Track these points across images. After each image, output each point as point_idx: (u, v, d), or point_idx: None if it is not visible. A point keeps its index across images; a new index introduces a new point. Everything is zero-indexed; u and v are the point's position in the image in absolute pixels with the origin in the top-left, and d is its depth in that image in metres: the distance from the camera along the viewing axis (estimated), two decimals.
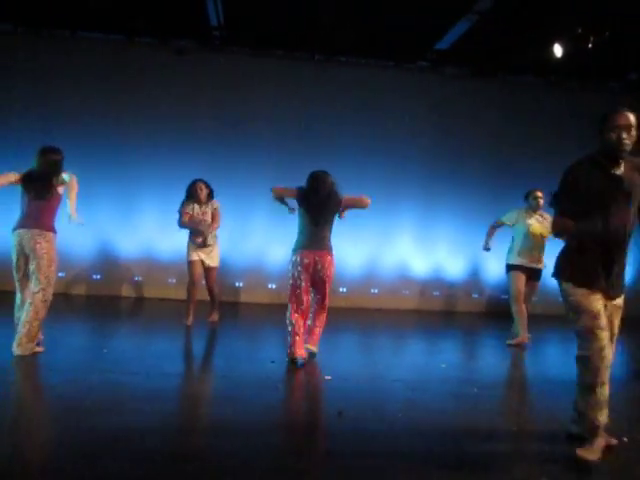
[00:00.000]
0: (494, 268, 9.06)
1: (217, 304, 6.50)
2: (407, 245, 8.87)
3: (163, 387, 3.83)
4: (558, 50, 7.14)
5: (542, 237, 5.92)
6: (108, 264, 8.32)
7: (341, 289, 8.80)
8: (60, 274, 8.16)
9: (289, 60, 8.62)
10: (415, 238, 8.82)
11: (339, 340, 6.42)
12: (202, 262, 6.14)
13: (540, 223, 5.96)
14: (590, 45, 6.72)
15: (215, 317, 6.48)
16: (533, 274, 5.99)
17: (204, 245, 6.10)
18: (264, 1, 7.03)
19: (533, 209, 6.02)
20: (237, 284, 8.62)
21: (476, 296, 9.03)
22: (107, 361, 4.42)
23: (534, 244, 5.93)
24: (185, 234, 6.20)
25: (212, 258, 6.20)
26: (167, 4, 7.18)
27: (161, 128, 8.22)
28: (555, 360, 5.99)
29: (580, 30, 6.73)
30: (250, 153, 8.39)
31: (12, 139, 7.86)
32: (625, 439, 3.19)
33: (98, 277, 8.33)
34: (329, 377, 4.24)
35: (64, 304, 7.76)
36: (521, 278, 5.95)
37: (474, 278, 9.00)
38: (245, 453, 2.80)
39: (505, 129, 8.93)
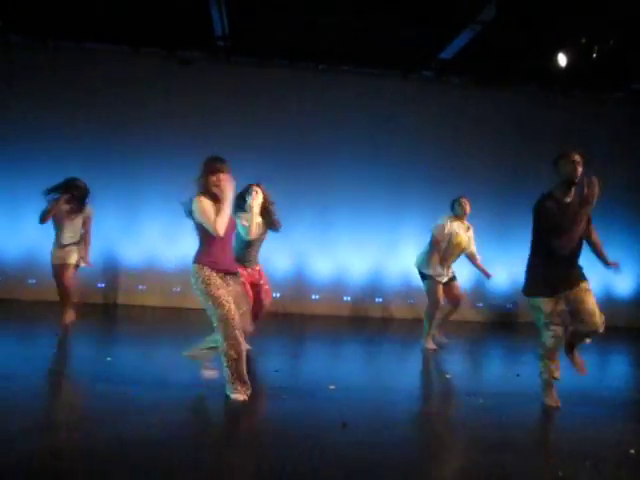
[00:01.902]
0: (497, 278, 9.04)
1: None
2: (411, 254, 8.85)
3: (164, 397, 3.82)
4: (562, 60, 7.15)
5: (463, 249, 5.87)
6: (112, 272, 8.33)
7: (345, 298, 8.79)
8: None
9: (293, 70, 8.66)
10: (419, 247, 8.79)
11: (343, 350, 6.40)
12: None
13: (465, 234, 5.94)
14: (594, 55, 6.73)
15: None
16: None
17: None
18: (269, 12, 7.07)
19: (459, 217, 5.95)
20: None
21: (480, 305, 9.00)
22: (111, 370, 4.41)
23: (455, 253, 5.90)
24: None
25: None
26: (172, 15, 7.23)
27: (166, 137, 8.25)
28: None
29: (584, 40, 6.73)
30: (254, 162, 8.39)
31: (15, 150, 7.93)
32: (632, 451, 3.17)
33: (102, 285, 8.34)
34: (333, 387, 4.22)
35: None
36: (440, 288, 5.92)
37: (478, 288, 8.97)
38: (247, 465, 2.78)
39: (509, 139, 8.93)
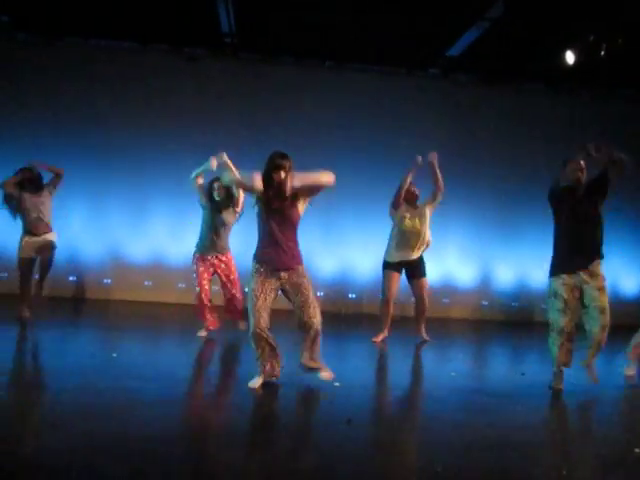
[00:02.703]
0: (504, 276, 9.02)
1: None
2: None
3: (170, 392, 3.83)
4: (570, 57, 7.11)
5: (415, 231, 5.89)
6: (118, 269, 8.36)
7: (350, 295, 8.80)
8: (71, 278, 8.24)
9: (299, 67, 8.65)
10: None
11: (349, 347, 6.40)
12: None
13: (412, 218, 5.92)
14: (602, 52, 6.69)
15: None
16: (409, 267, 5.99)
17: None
18: (276, 8, 7.07)
19: (408, 201, 6.01)
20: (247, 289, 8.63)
21: (485, 304, 8.98)
22: (117, 366, 4.43)
23: (410, 239, 5.94)
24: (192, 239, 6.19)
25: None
26: (179, 11, 7.24)
27: (172, 134, 8.27)
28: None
29: (592, 37, 6.70)
30: (261, 160, 8.39)
31: (27, 145, 7.96)
32: (637, 450, 3.15)
33: (109, 281, 8.38)
34: (338, 384, 4.22)
35: (75, 308, 7.81)
36: (392, 277, 6.03)
37: (484, 285, 8.96)
38: (249, 461, 2.79)
39: (517, 137, 8.90)
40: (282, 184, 3.83)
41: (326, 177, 3.95)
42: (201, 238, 5.68)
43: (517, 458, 3.04)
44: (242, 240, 5.87)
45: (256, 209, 3.98)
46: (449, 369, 5.14)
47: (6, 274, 8.11)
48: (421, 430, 3.58)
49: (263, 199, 3.88)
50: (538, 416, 3.88)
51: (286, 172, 3.88)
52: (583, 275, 4.26)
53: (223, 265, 5.70)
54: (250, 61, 8.55)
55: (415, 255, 5.99)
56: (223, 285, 5.78)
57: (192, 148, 8.27)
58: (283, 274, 3.86)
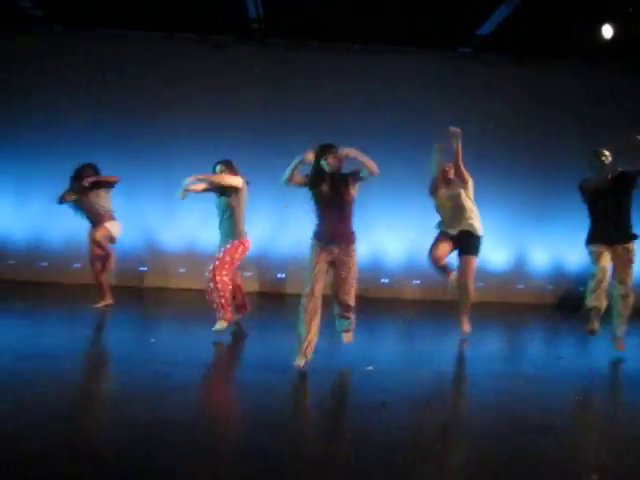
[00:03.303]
0: (540, 258, 8.85)
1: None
2: None
3: (203, 378, 3.90)
4: (607, 31, 6.85)
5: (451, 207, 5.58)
6: (154, 256, 8.51)
7: (382, 280, 8.77)
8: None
9: (328, 51, 8.58)
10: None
11: (381, 331, 6.41)
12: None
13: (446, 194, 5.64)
14: None
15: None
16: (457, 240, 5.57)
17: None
18: None
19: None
20: (279, 275, 8.70)
21: (521, 287, 8.84)
22: (154, 352, 4.53)
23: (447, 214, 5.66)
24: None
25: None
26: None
27: (203, 121, 8.32)
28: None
29: (631, 10, 6.44)
30: (290, 144, 8.37)
31: (64, 135, 8.15)
32: None
33: (144, 269, 8.54)
34: (371, 368, 4.23)
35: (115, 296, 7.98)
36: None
37: (519, 269, 8.81)
38: (282, 444, 2.83)
39: (550, 116, 8.66)
40: (332, 169, 4.27)
41: (373, 165, 4.25)
42: None
43: (554, 441, 3.01)
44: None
45: (310, 193, 4.38)
46: (484, 353, 5.10)
47: (46, 263, 8.37)
48: (454, 412, 3.58)
49: (316, 184, 4.29)
50: (573, 400, 3.82)
51: (335, 158, 4.31)
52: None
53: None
54: (278, 46, 8.52)
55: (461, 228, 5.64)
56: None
57: (222, 134, 8.35)
58: (335, 249, 4.17)
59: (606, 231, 4.91)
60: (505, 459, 2.75)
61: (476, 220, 5.61)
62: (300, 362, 4.04)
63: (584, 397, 3.97)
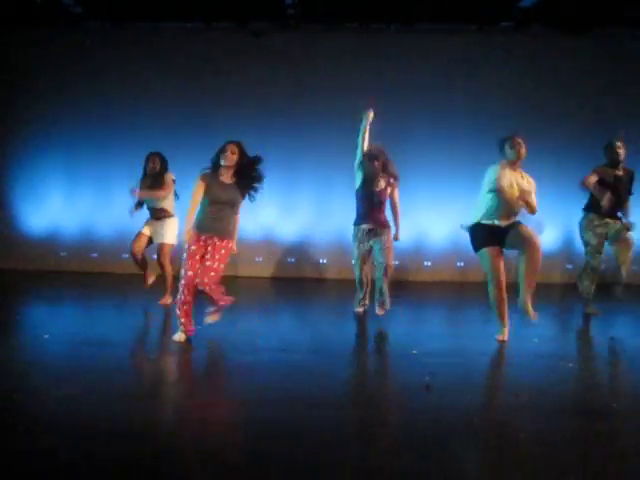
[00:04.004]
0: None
1: (169, 286, 5.97)
2: None
3: (256, 360, 3.97)
4: None
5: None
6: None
7: (426, 263, 8.69)
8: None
9: (365, 32, 8.48)
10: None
11: (425, 315, 6.37)
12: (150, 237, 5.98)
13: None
14: None
15: (167, 300, 5.93)
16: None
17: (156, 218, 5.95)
18: None
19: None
20: (321, 261, 8.73)
21: (569, 267, 8.59)
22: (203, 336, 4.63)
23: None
24: None
25: (162, 234, 5.93)
26: None
27: (241, 110, 8.37)
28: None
29: None
30: (331, 129, 8.36)
31: (102, 128, 8.37)
32: None
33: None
34: (415, 351, 4.22)
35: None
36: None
37: (567, 248, 8.56)
38: (333, 424, 2.86)
39: (602, 88, 8.29)
40: (376, 172, 5.47)
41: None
42: None
43: (603, 425, 2.94)
44: None
45: (358, 185, 5.56)
46: (531, 335, 4.99)
47: (96, 254, 8.64)
48: (500, 395, 3.53)
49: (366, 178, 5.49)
50: (625, 383, 3.71)
51: (379, 162, 5.46)
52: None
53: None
54: (314, 30, 8.46)
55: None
56: None
57: (260, 121, 8.38)
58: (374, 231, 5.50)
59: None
60: (555, 440, 2.71)
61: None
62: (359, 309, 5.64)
63: (636, 378, 3.85)
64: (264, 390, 3.41)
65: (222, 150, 4.42)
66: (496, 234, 4.58)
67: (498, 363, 4.07)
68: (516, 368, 4.03)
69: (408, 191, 8.35)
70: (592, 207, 5.81)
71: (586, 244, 5.88)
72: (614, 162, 5.77)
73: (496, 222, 4.59)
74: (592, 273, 5.82)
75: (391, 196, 5.68)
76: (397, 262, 8.41)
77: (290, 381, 3.57)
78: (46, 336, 4.43)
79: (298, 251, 8.73)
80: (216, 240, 4.37)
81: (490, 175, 4.57)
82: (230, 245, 4.45)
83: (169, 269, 5.98)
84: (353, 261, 5.80)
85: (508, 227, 4.60)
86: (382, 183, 5.56)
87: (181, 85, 8.42)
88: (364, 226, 5.56)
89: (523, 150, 4.58)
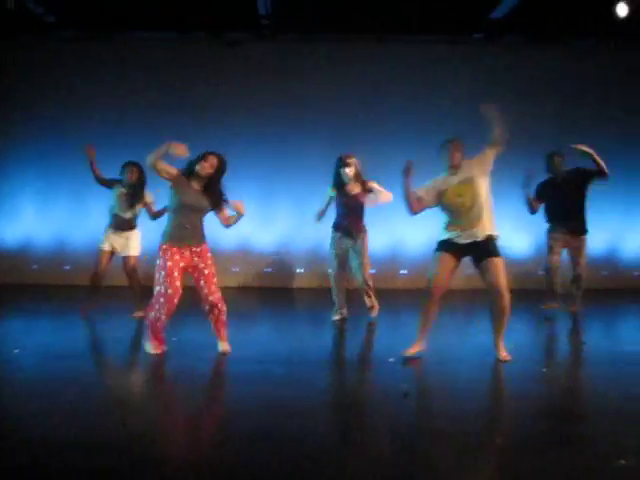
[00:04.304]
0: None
1: (140, 298, 5.82)
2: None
3: (214, 370, 3.95)
4: (622, 9, 6.73)
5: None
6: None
7: (402, 271, 8.75)
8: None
9: (340, 43, 8.55)
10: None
11: (401, 323, 6.41)
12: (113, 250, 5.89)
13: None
14: None
15: (140, 312, 5.68)
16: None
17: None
18: None
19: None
20: (298, 270, 8.73)
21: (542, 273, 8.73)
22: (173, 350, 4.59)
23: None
24: None
25: (128, 246, 5.88)
26: None
27: (220, 120, 8.35)
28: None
29: None
30: (307, 139, 8.42)
31: (76, 135, 8.25)
32: None
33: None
34: (392, 359, 4.24)
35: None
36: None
37: (540, 255, 8.71)
38: (313, 432, 2.86)
39: (569, 97, 8.51)
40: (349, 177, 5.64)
41: (387, 197, 5.68)
42: None
43: (579, 426, 2.99)
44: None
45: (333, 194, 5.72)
46: (506, 340, 5.05)
47: (68, 266, 8.50)
48: (475, 400, 3.57)
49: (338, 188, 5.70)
50: (600, 385, 3.79)
51: (352, 169, 5.67)
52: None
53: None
54: (289, 41, 8.51)
55: None
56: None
57: (238, 131, 8.37)
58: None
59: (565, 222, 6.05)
60: (533, 444, 2.75)
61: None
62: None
63: (610, 381, 3.93)
64: (242, 401, 3.40)
65: (203, 159, 4.35)
66: (459, 249, 4.28)
67: (474, 369, 4.11)
68: (491, 373, 4.08)
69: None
70: (548, 216, 6.22)
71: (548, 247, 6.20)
72: (553, 172, 6.16)
73: (453, 237, 4.30)
74: (546, 274, 6.18)
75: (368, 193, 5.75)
76: (374, 270, 8.45)
77: (269, 391, 3.55)
78: (16, 350, 4.34)
79: (275, 261, 8.72)
80: (196, 248, 4.31)
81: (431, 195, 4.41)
82: (206, 247, 4.40)
83: (138, 280, 5.95)
84: (329, 270, 5.87)
85: (473, 246, 4.24)
86: (356, 188, 5.68)
87: (156, 95, 8.37)
88: (339, 232, 5.75)
89: (457, 155, 4.36)
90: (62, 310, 6.62)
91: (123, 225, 5.87)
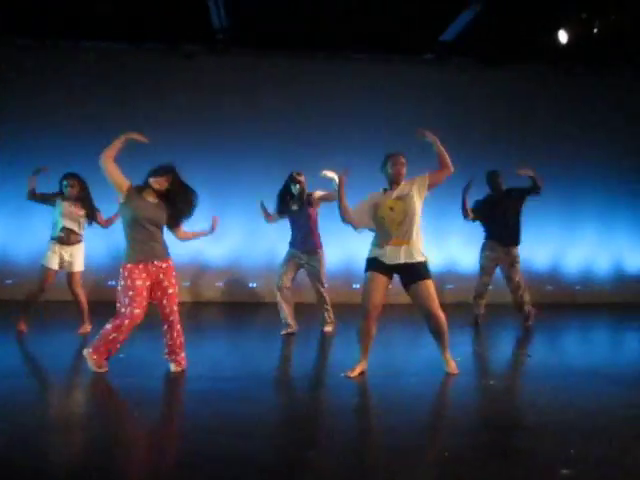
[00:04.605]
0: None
1: (86, 314, 5.76)
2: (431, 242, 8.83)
3: (171, 389, 3.87)
4: (563, 36, 7.08)
5: None
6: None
7: (354, 285, 8.80)
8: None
9: (293, 59, 8.62)
10: (433, 233, 8.64)
11: (354, 337, 6.42)
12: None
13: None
14: (595, 30, 6.65)
15: (86, 328, 5.71)
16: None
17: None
18: (266, 1, 7.04)
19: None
20: (251, 284, 8.67)
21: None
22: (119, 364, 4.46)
23: None
24: None
25: (73, 262, 5.69)
26: (170, 9, 7.21)
27: (172, 132, 8.25)
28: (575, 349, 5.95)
29: (585, 15, 6.66)
30: (257, 153, 8.42)
31: (28, 148, 7.99)
32: None
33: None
34: (344, 374, 4.24)
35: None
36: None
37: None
38: (265, 451, 2.82)
39: (514, 118, 8.86)
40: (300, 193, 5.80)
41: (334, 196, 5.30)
42: None
43: (524, 438, 3.07)
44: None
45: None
46: (455, 354, 5.15)
47: (10, 281, 8.17)
48: (425, 414, 3.61)
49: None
50: (545, 397, 3.90)
51: (300, 186, 5.82)
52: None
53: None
54: (244, 55, 8.53)
55: None
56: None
57: (191, 144, 8.29)
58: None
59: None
60: (476, 456, 2.80)
61: None
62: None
63: (554, 393, 4.06)
64: (193, 419, 3.33)
65: (156, 174, 4.26)
66: (387, 269, 4.20)
67: (424, 383, 4.16)
68: (442, 387, 4.14)
69: (336, 216, 8.54)
70: (487, 232, 6.56)
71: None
72: (494, 190, 6.56)
73: (379, 255, 4.24)
74: (476, 296, 6.56)
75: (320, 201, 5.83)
76: (326, 285, 8.47)
77: (220, 409, 3.49)
78: None
79: (227, 275, 8.64)
80: (161, 264, 4.16)
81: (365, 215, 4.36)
82: (172, 264, 4.26)
83: (84, 297, 5.78)
84: (278, 284, 5.86)
85: (399, 268, 4.18)
86: (295, 206, 5.84)
87: (104, 106, 8.19)
88: (294, 248, 5.86)
89: (403, 170, 4.33)
90: (2, 327, 6.33)
91: (71, 238, 5.67)
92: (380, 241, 4.25)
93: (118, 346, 4.10)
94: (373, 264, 4.27)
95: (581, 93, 8.93)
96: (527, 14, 7.04)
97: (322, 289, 5.88)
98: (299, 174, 5.88)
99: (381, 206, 4.28)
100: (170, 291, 4.19)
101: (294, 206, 5.86)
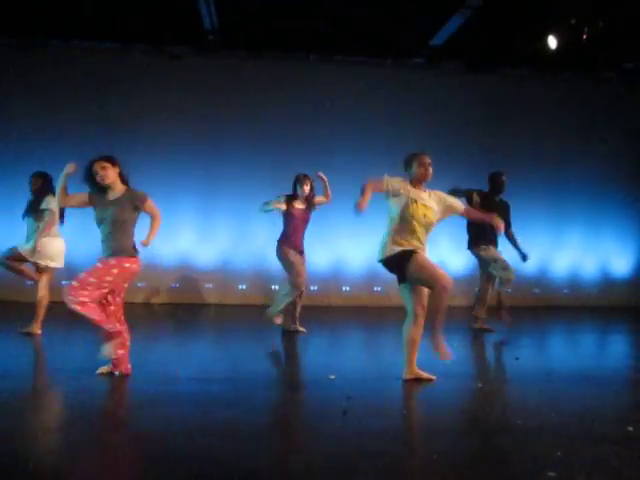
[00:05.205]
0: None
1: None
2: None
3: (170, 391, 3.85)
4: (552, 42, 7.14)
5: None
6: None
7: (344, 288, 8.80)
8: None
9: (284, 61, 8.63)
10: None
11: (343, 340, 6.43)
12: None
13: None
14: (584, 36, 6.72)
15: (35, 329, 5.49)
16: None
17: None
18: (257, 3, 7.04)
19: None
20: (240, 287, 8.64)
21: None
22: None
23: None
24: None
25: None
26: (161, 10, 7.19)
27: (159, 134, 8.23)
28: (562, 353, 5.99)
29: (573, 21, 6.72)
30: (247, 155, 8.42)
31: (9, 151, 7.91)
32: (630, 428, 3.20)
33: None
34: (333, 376, 4.24)
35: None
36: None
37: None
38: (250, 455, 2.80)
39: (503, 123, 8.93)
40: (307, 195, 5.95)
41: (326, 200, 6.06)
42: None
43: (512, 441, 3.08)
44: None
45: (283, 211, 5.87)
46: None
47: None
48: (413, 417, 3.61)
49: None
50: (532, 399, 3.91)
51: (307, 187, 5.95)
52: None
53: None
54: (234, 57, 8.52)
55: None
56: None
57: (177, 146, 8.27)
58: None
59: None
60: (464, 458, 2.80)
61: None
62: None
63: (541, 395, 4.08)
64: (178, 421, 3.30)
65: (91, 169, 4.16)
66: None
67: (413, 387, 4.16)
68: (429, 390, 4.14)
69: (327, 217, 8.55)
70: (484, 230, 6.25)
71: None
72: (500, 191, 6.60)
73: (416, 247, 4.09)
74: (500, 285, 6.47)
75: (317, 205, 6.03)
76: (315, 287, 8.45)
77: (206, 412, 3.47)
78: None
79: (216, 277, 8.60)
80: (125, 263, 4.03)
81: (395, 187, 4.15)
82: (129, 264, 4.03)
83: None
84: (291, 280, 5.86)
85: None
86: (282, 205, 5.89)
87: (90, 106, 8.14)
88: (291, 249, 5.90)
89: (430, 171, 4.20)
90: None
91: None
92: (408, 237, 4.05)
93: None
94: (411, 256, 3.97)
95: (569, 98, 9.02)
96: (516, 19, 7.10)
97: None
98: (306, 176, 6.01)
99: (417, 205, 4.06)
100: (122, 294, 4.15)
101: (301, 205, 5.96)
